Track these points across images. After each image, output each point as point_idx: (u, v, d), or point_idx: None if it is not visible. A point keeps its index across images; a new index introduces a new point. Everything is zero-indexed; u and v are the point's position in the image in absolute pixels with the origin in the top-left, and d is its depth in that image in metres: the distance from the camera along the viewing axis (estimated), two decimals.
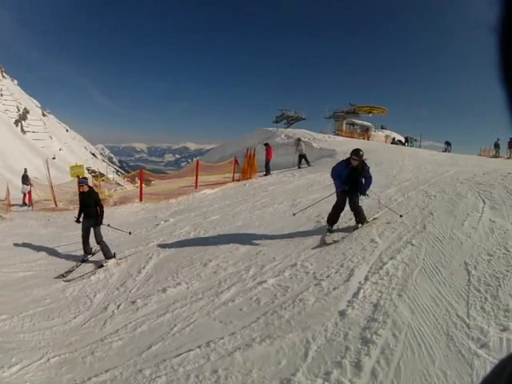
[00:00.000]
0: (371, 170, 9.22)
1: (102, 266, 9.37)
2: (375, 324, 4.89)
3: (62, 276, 9.06)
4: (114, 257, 9.63)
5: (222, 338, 5.07)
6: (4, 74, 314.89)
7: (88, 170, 22.48)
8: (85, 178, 10.64)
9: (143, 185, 19.19)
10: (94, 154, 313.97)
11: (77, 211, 10.66)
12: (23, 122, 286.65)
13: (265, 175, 22.63)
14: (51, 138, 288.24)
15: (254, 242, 9.25)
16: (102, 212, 9.90)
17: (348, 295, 5.82)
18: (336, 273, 6.72)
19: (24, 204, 22.47)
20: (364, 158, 8.88)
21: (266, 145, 24.50)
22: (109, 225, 10.86)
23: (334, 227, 9.26)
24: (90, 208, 9.88)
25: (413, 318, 4.96)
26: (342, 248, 7.97)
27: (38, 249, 11.82)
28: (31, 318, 7.13)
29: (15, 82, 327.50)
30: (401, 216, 9.34)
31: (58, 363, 5.33)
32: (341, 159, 9.27)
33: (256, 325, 5.35)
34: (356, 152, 8.81)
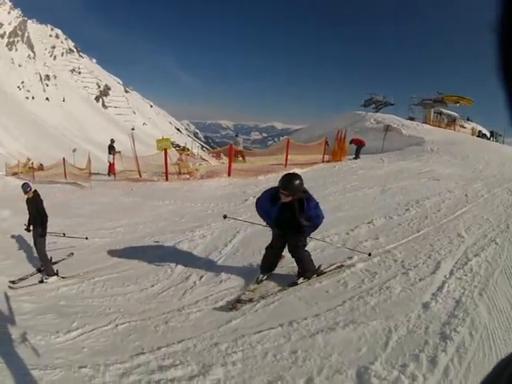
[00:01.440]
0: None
1: (41, 281, 8.64)
2: (455, 320, 4.93)
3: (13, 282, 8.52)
4: (57, 274, 8.81)
5: (306, 319, 5.10)
6: (81, 54, 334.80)
7: (172, 144, 23.19)
8: (26, 183, 9.98)
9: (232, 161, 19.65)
10: (178, 129, 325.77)
11: (160, 183, 10.98)
12: (104, 98, 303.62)
13: (354, 159, 23.05)
14: (134, 113, 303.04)
15: (344, 224, 9.24)
16: (44, 222, 9.28)
17: (433, 288, 5.86)
18: (423, 264, 6.78)
19: (110, 173, 24.29)
20: (302, 189, 6.39)
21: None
22: (64, 234, 10.72)
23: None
24: (34, 216, 9.35)
25: (489, 319, 4.99)
26: (431, 239, 8.00)
27: (119, 217, 12.80)
28: (103, 284, 7.59)
29: (93, 60, 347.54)
30: (369, 255, 7.01)
31: (127, 330, 5.63)
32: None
33: (341, 308, 5.37)
34: (285, 182, 6.28)
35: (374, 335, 4.62)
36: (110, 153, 24.51)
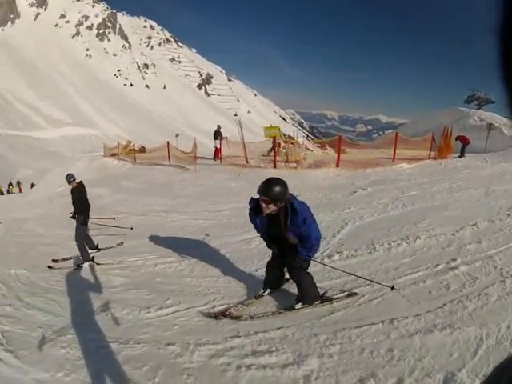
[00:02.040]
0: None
1: (79, 265, 9.79)
2: None
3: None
4: (92, 260, 9.87)
5: (406, 318, 5.18)
6: (179, 44, 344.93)
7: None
8: (70, 174, 10.72)
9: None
10: (284, 118, 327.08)
11: (268, 170, 11.30)
12: (207, 86, 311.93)
13: (459, 157, 22.49)
14: (238, 101, 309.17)
15: (450, 224, 9.06)
16: (84, 211, 10.23)
17: None
18: None
19: (215, 158, 25.64)
20: (286, 198, 5.47)
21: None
22: (114, 219, 12.45)
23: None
24: (76, 205, 10.30)
25: None
26: None
27: (225, 200, 13.64)
28: (205, 264, 8.09)
29: (193, 50, 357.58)
30: (392, 289, 5.87)
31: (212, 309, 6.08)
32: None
33: (441, 311, 5.40)
34: (264, 186, 5.44)
35: (466, 342, 4.64)
36: (216, 138, 25.79)
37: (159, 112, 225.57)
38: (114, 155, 36.61)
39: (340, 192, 13.61)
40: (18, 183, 46.36)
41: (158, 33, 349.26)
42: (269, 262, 6.39)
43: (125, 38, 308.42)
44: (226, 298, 6.41)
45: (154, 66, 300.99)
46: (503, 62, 0.64)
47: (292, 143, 23.66)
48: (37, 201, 21.43)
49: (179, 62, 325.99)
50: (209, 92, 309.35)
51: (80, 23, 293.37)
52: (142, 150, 36.18)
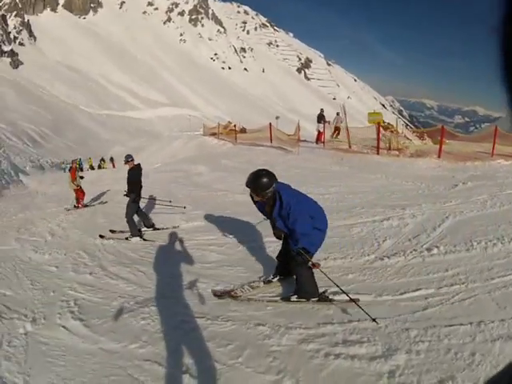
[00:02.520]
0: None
1: (127, 238, 10.54)
2: None
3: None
4: (140, 237, 10.55)
5: (493, 322, 4.87)
6: (275, 28, 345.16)
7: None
8: (129, 154, 11.49)
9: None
10: (383, 105, 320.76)
11: (371, 156, 11.30)
12: (306, 70, 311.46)
13: None
14: (338, 85, 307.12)
15: None
16: (135, 190, 10.90)
17: None
18: None
19: (318, 142, 25.41)
20: (271, 190, 5.46)
21: None
22: (170, 201, 12.64)
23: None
24: (130, 184, 10.95)
25: None
26: None
27: (327, 184, 13.48)
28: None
29: (290, 34, 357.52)
30: (374, 321, 5.07)
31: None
32: None
33: None
34: (250, 178, 5.54)
35: None
36: (319, 122, 25.68)
37: (259, 95, 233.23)
38: (213, 134, 37.55)
39: (442, 184, 12.88)
40: (112, 159, 48.14)
41: (252, 18, 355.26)
42: (280, 250, 6.42)
43: (219, 23, 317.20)
44: (321, 283, 5.96)
45: (252, 49, 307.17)
46: (504, 61, 0.67)
47: (392, 131, 23.37)
48: None
49: (277, 46, 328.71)
50: (308, 76, 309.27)
51: (170, 10, 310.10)
52: (243, 130, 36.32)
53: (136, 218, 11.14)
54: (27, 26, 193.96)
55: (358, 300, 5.51)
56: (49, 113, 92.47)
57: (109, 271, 8.07)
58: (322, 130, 25.41)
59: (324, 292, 5.80)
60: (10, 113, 77.07)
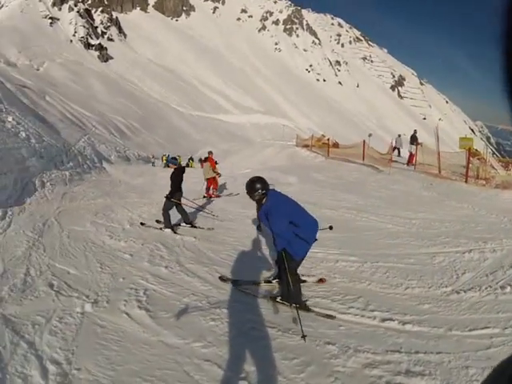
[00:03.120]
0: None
1: (161, 229, 11.52)
2: None
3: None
4: (172, 230, 11.44)
5: None
6: (370, 43, 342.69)
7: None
8: (174, 157, 13.45)
9: None
10: (472, 130, 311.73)
11: (459, 184, 10.92)
12: (400, 88, 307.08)
13: None
14: (430, 106, 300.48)
15: None
16: (173, 191, 11.83)
17: None
18: None
19: (408, 163, 24.91)
20: (261, 193, 6.47)
21: None
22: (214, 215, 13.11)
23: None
24: (171, 184, 11.99)
25: None
26: None
27: (416, 209, 13.01)
28: (387, 271, 7.85)
29: (384, 50, 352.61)
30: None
31: (401, 324, 5.75)
32: None
33: None
34: (248, 182, 6.72)
35: None
36: (412, 143, 25.14)
37: (352, 110, 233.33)
38: (305, 146, 37.62)
39: None
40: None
41: (346, 31, 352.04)
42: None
43: (314, 34, 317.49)
44: (397, 312, 6.13)
45: (346, 63, 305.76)
46: (506, 65, 0.66)
47: (479, 158, 22.51)
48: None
49: (371, 61, 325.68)
50: (402, 95, 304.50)
51: (265, 18, 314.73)
52: (336, 145, 36.37)
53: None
54: (115, 22, 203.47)
55: (334, 317, 5.95)
56: (139, 108, 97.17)
57: (185, 268, 8.09)
58: (413, 152, 24.72)
59: (306, 301, 6.32)
60: (98, 104, 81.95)
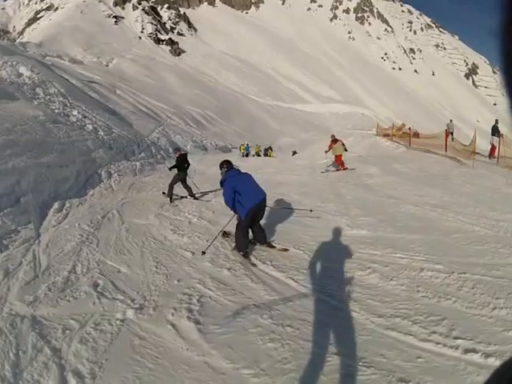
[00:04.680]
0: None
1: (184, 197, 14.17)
2: None
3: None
4: (171, 199, 13.49)
5: None
6: (441, 29, 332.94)
7: None
8: (177, 148, 16.86)
9: None
10: None
11: None
12: (474, 77, 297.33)
13: None
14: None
15: None
16: (177, 169, 14.20)
17: None
18: None
19: (490, 156, 23.37)
20: (223, 170, 8.63)
21: None
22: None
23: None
24: (178, 165, 14.20)
25: None
26: None
27: (502, 208, 11.44)
28: (474, 285, 6.52)
29: (455, 37, 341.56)
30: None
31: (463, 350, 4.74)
32: None
33: None
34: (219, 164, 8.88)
35: None
36: (493, 134, 23.52)
37: (429, 98, 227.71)
38: (386, 136, 36.29)
39: None
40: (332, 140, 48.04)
41: (417, 17, 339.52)
42: None
43: (385, 22, 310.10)
44: (471, 336, 4.96)
45: (420, 51, 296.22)
46: (505, 65, 0.66)
47: None
48: (298, 168, 22.28)
49: (444, 48, 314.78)
50: (476, 83, 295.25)
51: (335, 7, 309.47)
52: (416, 134, 34.88)
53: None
54: (184, 18, 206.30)
55: (287, 249, 8.16)
56: (215, 98, 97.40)
57: (251, 271, 7.22)
58: (495, 144, 22.93)
59: (246, 252, 8.01)
60: (173, 96, 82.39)
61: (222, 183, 8.30)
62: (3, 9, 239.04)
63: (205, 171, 22.33)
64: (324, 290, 6.34)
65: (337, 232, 9.34)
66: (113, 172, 17.52)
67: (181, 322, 5.24)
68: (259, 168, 22.26)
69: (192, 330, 5.04)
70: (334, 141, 21.06)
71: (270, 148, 45.79)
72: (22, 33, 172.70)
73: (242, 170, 8.46)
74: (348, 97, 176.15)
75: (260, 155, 43.38)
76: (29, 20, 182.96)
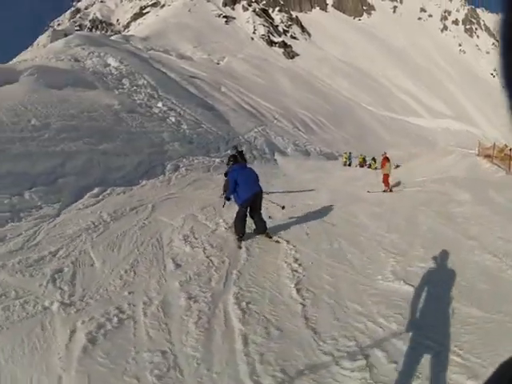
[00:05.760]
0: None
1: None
2: None
3: None
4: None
5: None
6: None
7: None
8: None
9: None
10: None
11: None
12: None
13: None
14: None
15: None
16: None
17: None
18: None
19: None
20: (229, 163, 10.25)
21: None
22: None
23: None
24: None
25: None
26: None
27: None
28: None
29: None
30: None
31: None
32: None
33: None
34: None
35: None
36: None
37: None
38: (487, 156, 32.89)
39: None
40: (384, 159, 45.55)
41: None
42: None
43: (493, 35, 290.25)
44: None
45: None
46: (505, 65, 0.65)
47: None
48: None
49: None
50: None
51: (444, 18, 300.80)
52: None
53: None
54: (296, 21, 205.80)
55: (279, 242, 8.77)
56: (328, 104, 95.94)
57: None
58: None
59: (242, 236, 8.69)
60: (283, 97, 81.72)
61: (226, 174, 10.73)
62: (102, 1, 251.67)
63: (296, 176, 21.87)
64: None
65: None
66: (181, 166, 17.00)
67: (76, 336, 4.81)
68: (351, 180, 20.80)
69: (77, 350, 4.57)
70: (386, 159, 19.68)
71: (374, 159, 42.00)
72: (127, 26, 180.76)
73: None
74: (459, 112, 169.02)
75: (363, 166, 41.00)
76: (134, 14, 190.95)
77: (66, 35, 41.65)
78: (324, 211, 11.89)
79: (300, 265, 7.32)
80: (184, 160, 17.83)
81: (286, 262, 7.46)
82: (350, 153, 42.70)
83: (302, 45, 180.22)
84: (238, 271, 6.93)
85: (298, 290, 6.18)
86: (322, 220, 10.74)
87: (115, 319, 5.13)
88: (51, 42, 41.77)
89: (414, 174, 23.59)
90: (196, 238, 8.75)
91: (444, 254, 8.19)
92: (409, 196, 16.21)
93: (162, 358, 4.45)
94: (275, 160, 27.20)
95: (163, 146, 18.18)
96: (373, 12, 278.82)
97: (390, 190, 18.13)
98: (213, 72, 75.51)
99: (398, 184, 19.83)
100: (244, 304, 5.65)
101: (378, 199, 15.25)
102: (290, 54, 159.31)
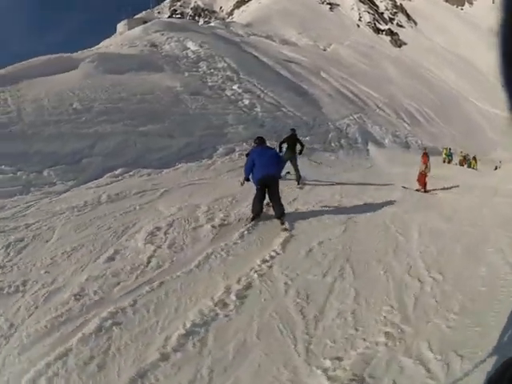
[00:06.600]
0: None
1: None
2: None
3: None
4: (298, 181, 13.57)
5: None
6: None
7: None
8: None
9: None
10: None
11: None
12: None
13: None
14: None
15: None
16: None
17: None
18: None
19: None
20: (254, 142, 10.23)
21: None
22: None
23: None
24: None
25: None
26: None
27: None
28: None
29: None
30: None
31: None
32: None
33: None
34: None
35: None
36: None
37: None
38: None
39: None
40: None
41: None
42: None
43: None
44: None
45: None
46: (505, 67, 0.68)
47: None
48: (477, 187, 16.37)
49: None
50: None
51: None
52: None
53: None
54: (401, 9, 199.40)
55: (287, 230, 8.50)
56: (434, 95, 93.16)
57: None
58: None
59: (254, 217, 8.86)
60: (389, 85, 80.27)
61: (247, 155, 10.73)
62: None
63: (382, 168, 21.10)
64: None
65: None
66: (237, 150, 16.40)
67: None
68: (444, 179, 17.93)
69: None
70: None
71: (474, 158, 39.75)
72: (231, 13, 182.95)
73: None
74: None
75: (463, 164, 37.25)
76: (237, 2, 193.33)
77: (144, 22, 43.04)
78: (370, 215, 9.84)
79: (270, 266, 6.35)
80: (244, 144, 17.08)
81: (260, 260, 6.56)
82: (449, 148, 39.14)
83: (409, 33, 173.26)
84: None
85: None
86: (352, 230, 8.65)
87: (12, 289, 5.26)
88: (128, 29, 43.45)
89: (507, 179, 18.80)
90: (166, 234, 7.52)
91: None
92: (491, 207, 12.14)
93: None
94: (367, 150, 25.94)
95: (223, 128, 17.88)
96: (474, 2, 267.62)
97: (425, 191, 15.72)
98: (316, 58, 74.82)
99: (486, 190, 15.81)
100: None
101: (452, 208, 12.09)
102: (398, 43, 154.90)
